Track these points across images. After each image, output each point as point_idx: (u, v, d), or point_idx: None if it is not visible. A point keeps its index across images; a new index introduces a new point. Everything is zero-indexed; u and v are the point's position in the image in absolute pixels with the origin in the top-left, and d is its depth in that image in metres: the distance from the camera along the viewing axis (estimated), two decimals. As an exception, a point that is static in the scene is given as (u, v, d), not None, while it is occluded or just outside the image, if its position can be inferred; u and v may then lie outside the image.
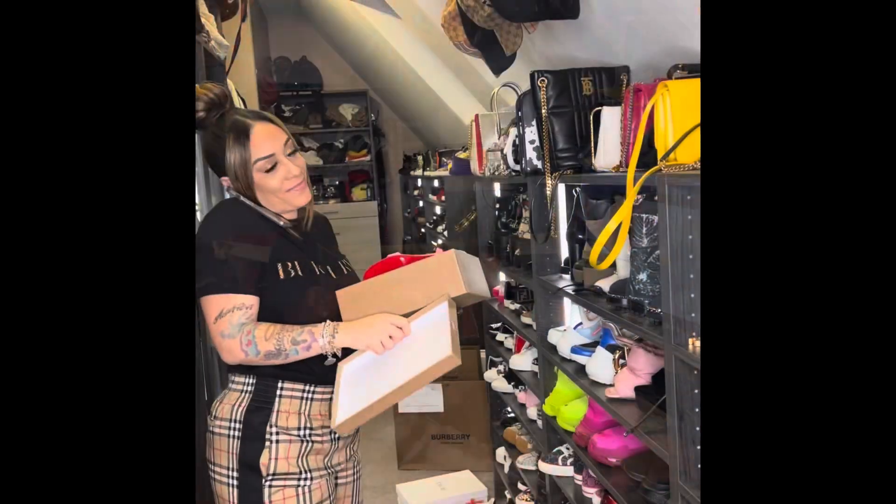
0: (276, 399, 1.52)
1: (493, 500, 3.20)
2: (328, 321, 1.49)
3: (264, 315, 1.50)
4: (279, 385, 1.52)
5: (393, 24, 4.24)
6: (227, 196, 1.65)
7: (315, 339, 1.46)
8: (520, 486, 2.78)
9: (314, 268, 1.57)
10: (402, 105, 6.82)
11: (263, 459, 1.49)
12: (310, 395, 1.54)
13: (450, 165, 4.13)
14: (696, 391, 1.38)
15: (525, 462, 2.67)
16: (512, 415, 3.03)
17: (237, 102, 3.55)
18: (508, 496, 2.95)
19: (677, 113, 1.35)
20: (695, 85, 1.35)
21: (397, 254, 1.67)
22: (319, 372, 1.54)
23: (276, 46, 7.28)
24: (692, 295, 1.34)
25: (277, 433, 1.51)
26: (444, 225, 4.76)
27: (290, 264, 1.53)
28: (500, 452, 3.10)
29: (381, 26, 4.51)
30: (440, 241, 5.05)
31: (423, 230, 6.15)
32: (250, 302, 1.47)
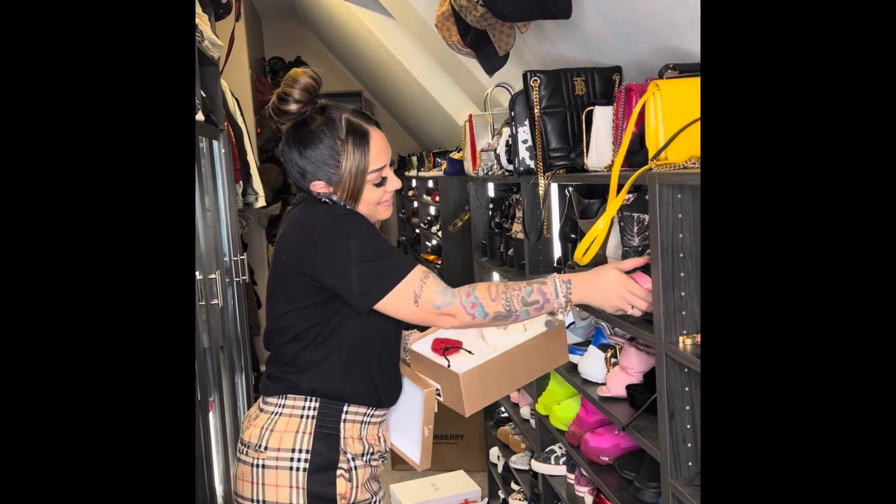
0: (342, 424, 1.43)
1: (486, 499, 3.20)
2: (555, 276, 1.39)
3: (353, 323, 1.41)
4: (344, 409, 1.43)
5: (387, 24, 4.25)
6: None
7: (548, 300, 1.37)
8: (513, 485, 2.79)
9: None
10: (396, 105, 6.83)
11: (341, 489, 1.39)
12: (368, 419, 1.48)
13: (444, 166, 4.14)
14: (687, 389, 1.38)
15: (518, 461, 2.68)
16: (505, 414, 3.04)
17: (230, 102, 3.54)
18: (502, 496, 2.95)
19: (668, 112, 1.35)
20: (685, 84, 1.36)
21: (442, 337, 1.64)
22: (385, 397, 1.50)
23: (270, 46, 7.28)
24: (682, 293, 1.35)
25: (352, 459, 1.42)
26: (438, 225, 4.76)
27: None
28: (494, 452, 3.10)
29: (374, 26, 4.51)
30: (435, 241, 5.05)
31: (417, 230, 6.16)
32: (427, 269, 1.38)
